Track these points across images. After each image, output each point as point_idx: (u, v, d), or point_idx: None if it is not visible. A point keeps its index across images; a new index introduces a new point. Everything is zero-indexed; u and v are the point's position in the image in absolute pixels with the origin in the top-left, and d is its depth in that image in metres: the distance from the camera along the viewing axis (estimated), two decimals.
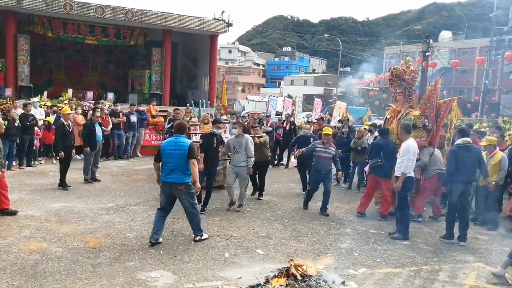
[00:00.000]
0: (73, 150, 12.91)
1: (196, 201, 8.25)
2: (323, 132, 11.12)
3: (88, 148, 12.97)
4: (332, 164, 11.13)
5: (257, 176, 12.10)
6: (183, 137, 8.13)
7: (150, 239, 7.94)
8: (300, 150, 11.57)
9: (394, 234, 9.08)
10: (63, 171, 12.25)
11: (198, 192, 8.59)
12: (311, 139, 12.74)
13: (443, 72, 14.56)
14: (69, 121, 12.71)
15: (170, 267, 6.96)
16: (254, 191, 12.40)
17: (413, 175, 9.28)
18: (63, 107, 17.54)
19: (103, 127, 14.86)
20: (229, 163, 11.40)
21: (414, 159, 9.19)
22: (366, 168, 11.70)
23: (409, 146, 9.12)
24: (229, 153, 11.01)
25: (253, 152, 10.69)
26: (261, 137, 12.05)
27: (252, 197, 12.19)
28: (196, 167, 7.97)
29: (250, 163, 10.62)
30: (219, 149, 11.15)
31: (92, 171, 13.26)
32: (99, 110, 15.11)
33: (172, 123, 15.30)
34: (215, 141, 10.58)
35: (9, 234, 8.17)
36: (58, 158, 12.84)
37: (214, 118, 12.82)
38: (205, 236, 8.32)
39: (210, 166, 10.53)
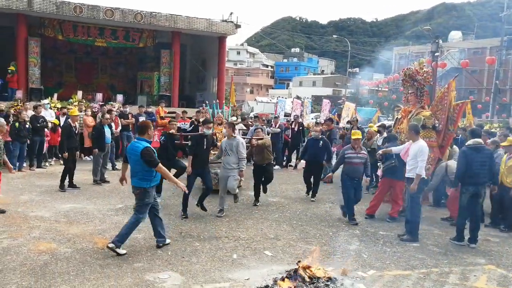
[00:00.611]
0: (78, 152, 12.89)
1: (142, 215, 7.67)
2: (352, 137, 10.49)
3: (97, 150, 13.06)
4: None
5: (262, 179, 11.65)
6: (142, 140, 7.63)
7: (156, 243, 7.94)
8: (331, 174, 11.41)
9: (404, 236, 9.02)
10: (66, 172, 12.22)
11: (186, 191, 8.48)
12: (321, 142, 12.49)
13: (457, 74, 14.38)
14: (76, 123, 12.74)
15: (178, 268, 6.95)
16: (256, 200, 11.57)
17: (425, 176, 9.25)
18: (72, 109, 17.70)
19: (112, 129, 14.90)
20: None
21: (426, 160, 9.14)
22: (379, 173, 11.64)
23: (423, 147, 9.04)
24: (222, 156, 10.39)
25: (244, 155, 10.14)
26: (260, 139, 11.71)
27: (255, 205, 11.41)
28: (162, 170, 7.54)
29: (241, 165, 10.10)
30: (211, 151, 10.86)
31: (101, 172, 13.32)
32: (110, 112, 15.23)
33: (193, 125, 15.24)
34: (205, 143, 10.05)
35: (19, 235, 8.20)
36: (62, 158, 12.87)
37: (229, 120, 12.83)
38: (120, 251, 7.40)
39: (200, 169, 9.96)
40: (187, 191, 8.67)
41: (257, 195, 11.60)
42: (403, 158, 9.44)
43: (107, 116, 14.04)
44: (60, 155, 12.44)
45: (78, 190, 12.12)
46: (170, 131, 11.32)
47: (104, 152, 13.35)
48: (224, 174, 10.22)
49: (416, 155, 8.96)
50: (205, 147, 10.04)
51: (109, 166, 15.40)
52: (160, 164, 7.51)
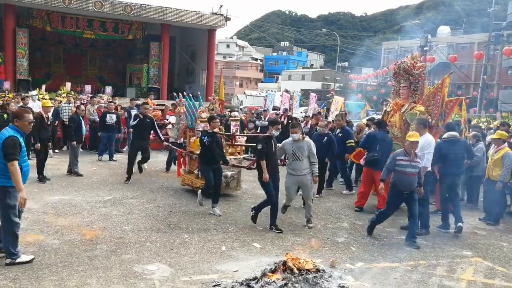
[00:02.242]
0: (50, 144, 12.76)
1: (16, 219, 6.41)
2: (409, 139, 8.42)
3: (75, 142, 12.92)
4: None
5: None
6: (13, 128, 6.41)
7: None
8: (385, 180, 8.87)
9: (422, 231, 8.94)
10: (41, 164, 12.08)
11: (23, 206, 6.35)
12: (325, 138, 12.01)
13: (452, 71, 14.42)
14: (48, 114, 12.58)
15: (166, 260, 6.93)
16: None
17: (431, 170, 9.30)
18: (61, 101, 17.58)
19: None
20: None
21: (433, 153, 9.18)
22: (362, 161, 11.62)
23: (430, 141, 9.11)
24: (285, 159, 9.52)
25: (316, 159, 9.15)
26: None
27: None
28: (14, 169, 6.14)
29: (315, 170, 9.09)
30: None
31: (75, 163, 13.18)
32: (84, 104, 15.54)
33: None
34: (273, 145, 8.98)
35: None
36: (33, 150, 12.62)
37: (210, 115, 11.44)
38: (20, 259, 6.46)
39: (272, 176, 8.82)
40: None
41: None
42: None
43: (83, 107, 13.90)
44: (32, 148, 12.21)
45: (65, 182, 12.03)
46: (214, 130, 9.93)
47: (81, 144, 13.17)
48: (291, 180, 9.18)
49: (423, 148, 8.94)
50: (273, 150, 8.98)
51: (105, 157, 15.52)
52: (15, 162, 6.15)
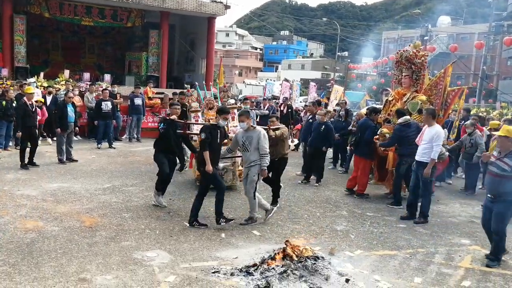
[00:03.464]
0: (37, 130, 12.71)
1: None
2: (500, 134, 7.05)
3: (59, 129, 12.76)
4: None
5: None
6: None
7: None
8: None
9: (420, 220, 9.05)
10: (23, 151, 12.02)
11: None
12: (323, 126, 12.03)
13: (455, 60, 14.40)
14: (32, 101, 12.50)
15: (166, 247, 6.96)
16: (274, 200, 9.56)
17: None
18: (59, 88, 17.54)
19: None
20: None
21: (441, 144, 9.22)
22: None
23: (439, 132, 9.10)
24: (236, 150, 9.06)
25: (267, 150, 8.23)
26: (277, 129, 9.62)
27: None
28: None
29: (263, 163, 8.21)
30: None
31: (67, 151, 13.15)
32: (71, 91, 15.44)
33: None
34: (219, 136, 8.20)
35: (5, 213, 8.15)
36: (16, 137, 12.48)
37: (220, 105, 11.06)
38: None
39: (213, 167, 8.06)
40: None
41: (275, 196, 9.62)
42: (417, 143, 9.40)
43: (70, 94, 13.80)
44: (17, 134, 12.08)
45: (64, 170, 12.04)
46: (172, 117, 9.37)
47: (68, 131, 13.07)
48: (244, 173, 8.57)
49: (432, 139, 8.95)
50: (218, 141, 8.23)
51: (103, 144, 15.67)
52: None
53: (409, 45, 11.91)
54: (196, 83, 18.01)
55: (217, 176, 8.26)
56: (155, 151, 9.40)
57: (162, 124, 9.29)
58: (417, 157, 9.20)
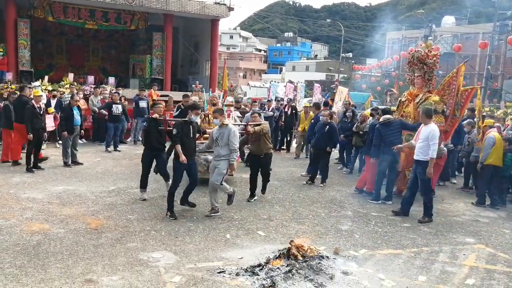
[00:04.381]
0: (45, 134, 12.78)
1: None
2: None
3: (66, 132, 12.83)
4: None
5: (258, 173, 10.48)
6: None
7: None
8: None
9: (425, 219, 9.16)
10: (30, 154, 12.10)
11: None
12: (327, 127, 12.04)
13: (467, 59, 14.41)
14: (40, 104, 12.54)
15: (171, 248, 7.01)
16: (251, 195, 10.32)
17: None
18: (64, 92, 17.65)
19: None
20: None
21: (437, 143, 9.30)
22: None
23: (434, 131, 9.19)
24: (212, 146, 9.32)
25: (236, 145, 8.81)
26: (258, 125, 10.26)
27: (249, 201, 10.15)
28: None
29: (231, 158, 8.80)
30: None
31: (73, 154, 13.22)
32: (76, 94, 15.67)
33: (180, 110, 14.76)
34: (191, 131, 8.89)
35: (11, 216, 8.22)
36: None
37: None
38: None
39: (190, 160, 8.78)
40: None
41: (252, 189, 10.33)
42: (414, 141, 9.61)
43: (77, 98, 13.92)
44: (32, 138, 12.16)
45: (70, 173, 12.11)
46: (153, 116, 9.95)
47: (74, 134, 13.14)
48: (211, 165, 9.16)
49: (427, 138, 9.10)
50: (191, 135, 8.89)
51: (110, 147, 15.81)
52: None
53: (421, 45, 11.87)
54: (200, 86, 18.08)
55: (181, 170, 8.80)
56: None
57: (145, 122, 10.39)
58: (414, 156, 9.37)
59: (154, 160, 10.03)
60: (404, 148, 10.25)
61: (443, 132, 11.08)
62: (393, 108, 12.32)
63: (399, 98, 12.28)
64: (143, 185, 10.01)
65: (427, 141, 9.09)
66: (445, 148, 11.11)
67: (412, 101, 11.17)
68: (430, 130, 9.15)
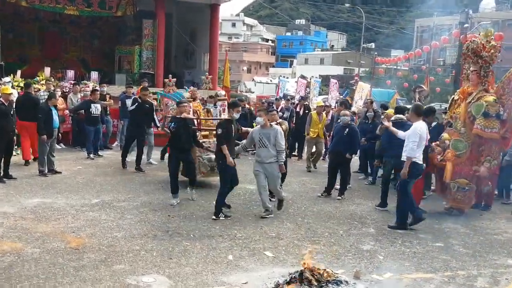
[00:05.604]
0: (14, 138, 12.81)
1: None
2: None
3: (45, 136, 12.77)
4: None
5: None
6: None
7: None
8: None
9: (395, 224, 9.66)
10: (2, 161, 12.12)
11: None
12: (347, 129, 12.01)
13: None
14: (10, 101, 12.46)
15: (164, 270, 7.04)
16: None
17: (419, 161, 9.55)
18: (39, 89, 17.70)
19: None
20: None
21: (420, 142, 9.42)
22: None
23: (415, 128, 9.43)
24: (250, 147, 10.81)
25: (283, 146, 10.18)
26: (280, 124, 10.94)
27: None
28: None
29: (281, 159, 10.06)
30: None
31: (49, 161, 13.16)
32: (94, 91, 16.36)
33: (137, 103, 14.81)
34: (233, 130, 10.08)
35: None
36: None
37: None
38: None
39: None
40: None
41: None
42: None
43: (56, 96, 13.94)
44: None
45: (46, 183, 12.17)
46: (182, 115, 10.95)
47: (52, 139, 13.13)
48: (259, 169, 10.07)
49: (409, 136, 9.44)
50: (233, 134, 10.10)
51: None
52: None
53: (479, 33, 11.68)
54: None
55: (230, 171, 9.95)
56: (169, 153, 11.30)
57: (173, 123, 10.82)
58: (402, 157, 9.64)
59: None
60: (435, 154, 10.35)
61: (502, 139, 10.89)
62: (436, 106, 12.28)
63: (452, 96, 12.12)
64: (175, 190, 10.81)
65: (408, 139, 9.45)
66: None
67: (464, 100, 11.04)
68: (414, 128, 9.46)
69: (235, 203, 10.96)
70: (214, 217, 9.65)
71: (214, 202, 9.94)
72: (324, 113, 16.15)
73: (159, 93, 15.38)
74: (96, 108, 15.93)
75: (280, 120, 11.96)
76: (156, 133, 15.33)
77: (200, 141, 11.65)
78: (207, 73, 20.39)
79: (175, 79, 20.08)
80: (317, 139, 15.77)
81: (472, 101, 10.78)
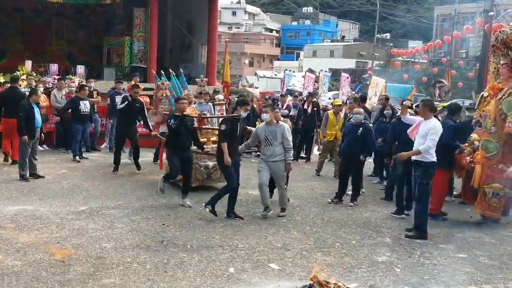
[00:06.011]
0: None
1: None
2: None
3: (26, 137, 12.74)
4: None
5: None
6: None
7: None
8: None
9: (413, 233, 9.58)
10: None
11: None
12: (360, 128, 11.93)
13: None
14: None
15: (159, 285, 7.04)
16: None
17: (435, 160, 9.57)
18: (20, 85, 17.69)
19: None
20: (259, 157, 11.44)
21: (437, 141, 9.46)
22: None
23: (436, 126, 9.46)
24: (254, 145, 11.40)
25: (291, 144, 10.63)
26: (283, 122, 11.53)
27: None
28: None
29: (288, 157, 10.52)
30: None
31: (31, 164, 13.14)
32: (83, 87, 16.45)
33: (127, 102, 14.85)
34: (238, 128, 10.51)
35: None
36: None
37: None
38: None
39: (233, 160, 10.35)
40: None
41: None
42: (410, 136, 10.00)
43: (38, 93, 13.88)
44: None
45: (28, 189, 12.17)
46: (183, 113, 11.40)
47: (34, 140, 13.12)
48: (263, 166, 10.56)
49: (427, 133, 9.36)
50: (238, 133, 10.53)
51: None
52: None
53: (509, 24, 11.56)
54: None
55: (231, 168, 10.26)
56: (167, 150, 11.66)
57: (173, 120, 11.18)
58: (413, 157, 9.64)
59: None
60: (463, 156, 10.39)
61: None
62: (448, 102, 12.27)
63: (481, 93, 11.96)
64: (184, 190, 11.37)
65: (426, 137, 9.37)
66: None
67: (494, 97, 10.91)
68: (431, 125, 9.42)
69: (237, 210, 10.91)
70: (204, 204, 10.35)
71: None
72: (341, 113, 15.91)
73: (173, 78, 15.38)
74: (85, 106, 15.91)
75: (283, 119, 12.30)
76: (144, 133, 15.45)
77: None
78: (202, 76, 20.31)
79: (206, 78, 20.18)
80: (335, 142, 15.23)
81: (503, 97, 10.64)
